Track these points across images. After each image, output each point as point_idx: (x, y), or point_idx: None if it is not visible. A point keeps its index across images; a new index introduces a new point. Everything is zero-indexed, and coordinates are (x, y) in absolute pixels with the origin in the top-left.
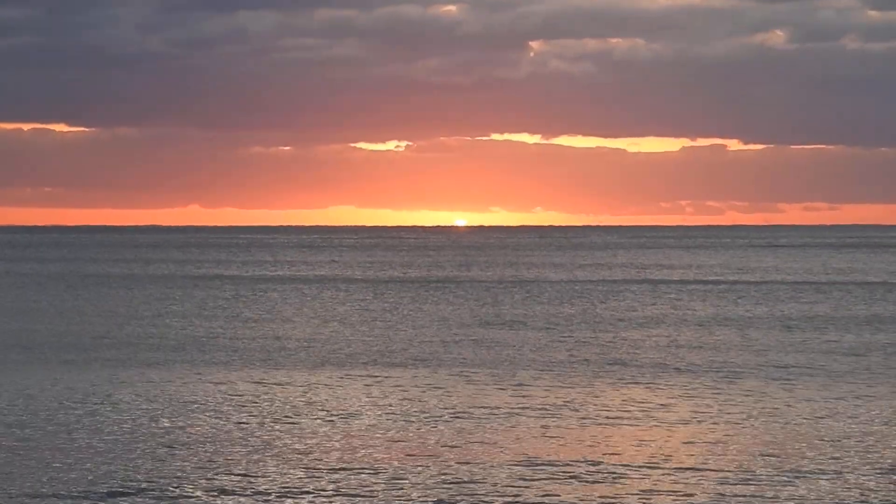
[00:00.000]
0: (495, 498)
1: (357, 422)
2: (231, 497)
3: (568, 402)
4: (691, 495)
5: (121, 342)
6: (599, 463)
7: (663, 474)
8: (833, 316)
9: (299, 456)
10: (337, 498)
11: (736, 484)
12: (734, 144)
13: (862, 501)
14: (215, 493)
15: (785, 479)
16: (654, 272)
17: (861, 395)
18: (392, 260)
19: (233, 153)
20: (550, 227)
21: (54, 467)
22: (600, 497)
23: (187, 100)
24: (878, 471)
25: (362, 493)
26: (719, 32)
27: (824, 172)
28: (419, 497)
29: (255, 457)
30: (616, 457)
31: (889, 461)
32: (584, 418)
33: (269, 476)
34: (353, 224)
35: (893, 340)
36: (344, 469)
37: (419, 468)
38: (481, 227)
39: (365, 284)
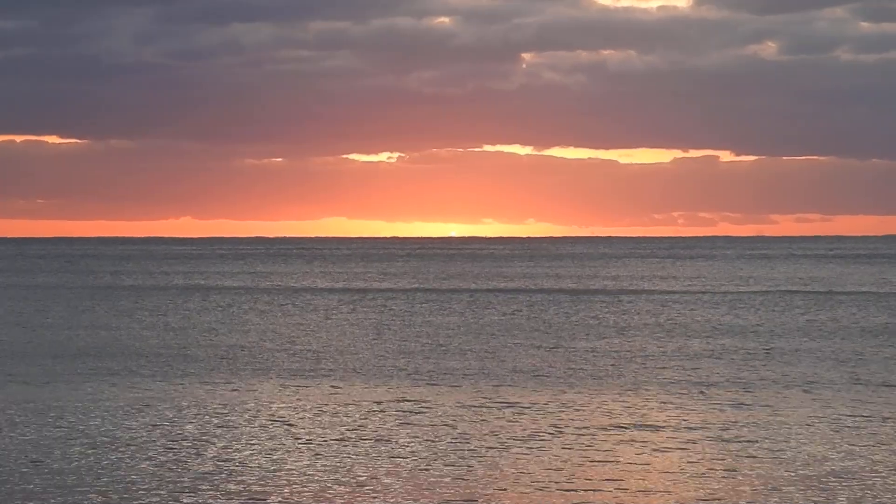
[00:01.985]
0: None
1: (339, 435)
2: None
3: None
4: None
5: (111, 353)
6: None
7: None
8: (821, 325)
9: (308, 478)
10: None
11: None
12: (726, 156)
13: None
14: None
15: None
16: (644, 283)
17: (847, 407)
18: (383, 270)
19: (226, 165)
20: (542, 237)
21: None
22: None
23: (180, 111)
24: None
25: None
26: (712, 44)
27: (817, 184)
28: None
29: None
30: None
31: (873, 482)
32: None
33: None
34: (345, 235)
35: (875, 351)
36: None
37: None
38: (474, 238)
39: (354, 294)
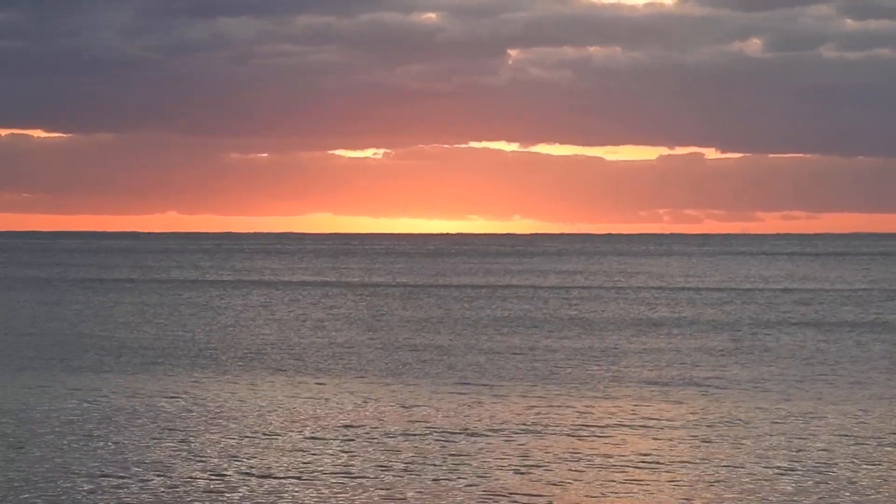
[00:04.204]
0: None
1: (299, 432)
2: None
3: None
4: None
5: (97, 346)
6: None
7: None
8: (804, 321)
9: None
10: None
11: None
12: (712, 153)
13: None
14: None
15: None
16: (624, 279)
17: (814, 405)
18: (366, 266)
19: (211, 159)
20: (529, 234)
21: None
22: None
23: (166, 106)
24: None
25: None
26: (697, 41)
27: (802, 181)
28: None
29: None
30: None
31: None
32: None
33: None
34: (331, 231)
35: (843, 348)
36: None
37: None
38: (459, 235)
39: (333, 289)
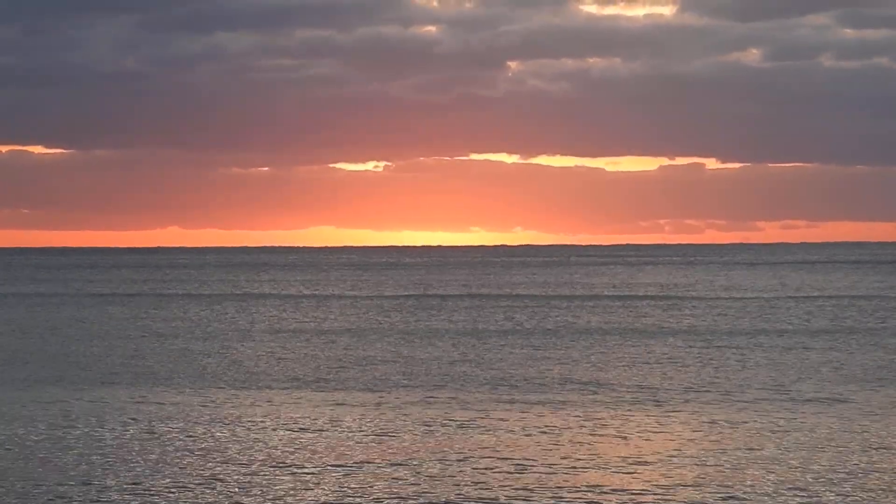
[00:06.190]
0: None
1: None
2: None
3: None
4: None
5: (92, 362)
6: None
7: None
8: (800, 330)
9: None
10: None
11: None
12: (712, 163)
13: None
14: None
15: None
16: (616, 290)
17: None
18: (369, 279)
19: (212, 174)
20: (530, 246)
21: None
22: None
23: (166, 120)
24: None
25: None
26: (696, 51)
27: (802, 190)
28: None
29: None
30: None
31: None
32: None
33: None
34: (333, 245)
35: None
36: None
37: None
38: (461, 248)
39: (335, 301)
